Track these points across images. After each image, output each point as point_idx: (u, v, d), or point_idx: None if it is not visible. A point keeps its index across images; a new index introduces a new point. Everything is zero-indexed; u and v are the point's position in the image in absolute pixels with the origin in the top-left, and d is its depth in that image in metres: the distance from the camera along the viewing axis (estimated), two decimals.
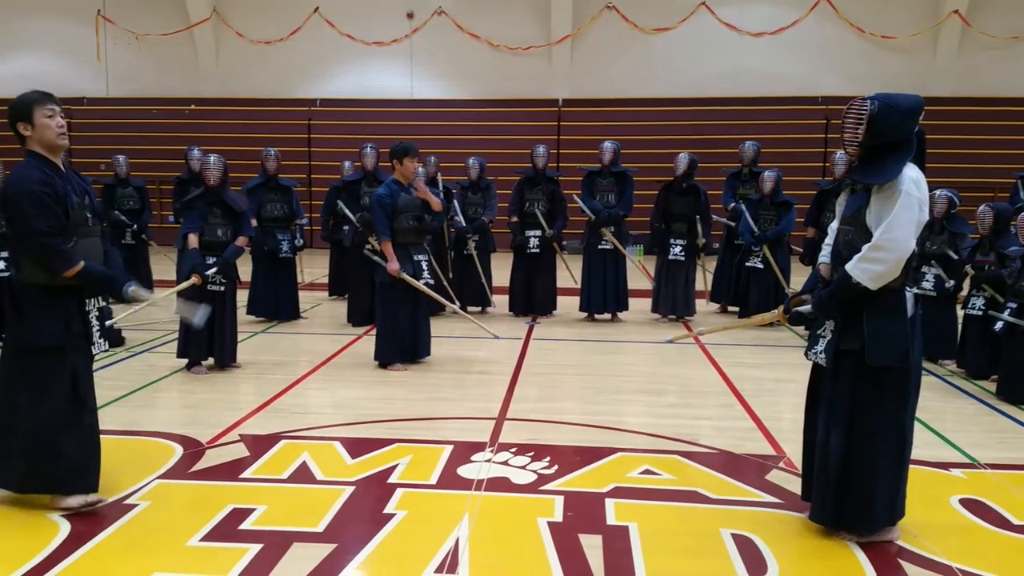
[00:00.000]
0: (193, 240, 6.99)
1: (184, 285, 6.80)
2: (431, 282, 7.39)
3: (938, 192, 7.64)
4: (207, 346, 7.08)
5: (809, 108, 19.02)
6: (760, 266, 9.52)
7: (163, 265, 12.00)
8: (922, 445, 5.29)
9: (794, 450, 5.08)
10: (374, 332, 7.58)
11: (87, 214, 4.29)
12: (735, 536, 3.93)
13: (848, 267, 3.70)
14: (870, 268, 3.64)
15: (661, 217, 9.80)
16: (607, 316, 9.94)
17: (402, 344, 7.32)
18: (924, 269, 7.68)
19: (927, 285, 7.63)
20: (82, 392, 4.27)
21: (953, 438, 5.54)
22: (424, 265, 7.33)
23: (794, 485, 4.49)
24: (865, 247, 3.65)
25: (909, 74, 18.71)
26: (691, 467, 4.89)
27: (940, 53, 19.15)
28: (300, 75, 20.63)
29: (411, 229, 7.28)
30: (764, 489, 4.55)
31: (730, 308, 10.44)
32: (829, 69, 19.27)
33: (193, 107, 20.62)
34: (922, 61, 19.18)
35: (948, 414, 6.18)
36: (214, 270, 6.91)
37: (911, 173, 3.65)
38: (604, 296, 9.72)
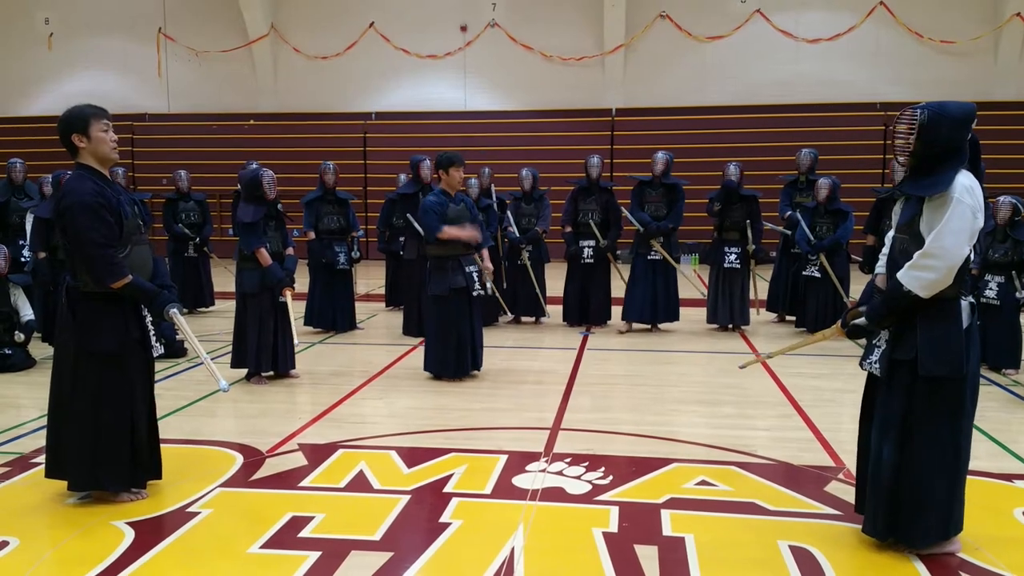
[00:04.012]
0: (266, 254, 7.10)
1: (290, 304, 7.11)
2: (483, 293, 7.38)
3: (1001, 199, 7.49)
4: (271, 357, 7.22)
5: (867, 115, 18.73)
6: (817, 275, 9.38)
7: (224, 277, 12.20)
8: (985, 456, 5.19)
9: (854, 461, 4.99)
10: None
11: (139, 222, 4.41)
12: (793, 548, 3.88)
13: (899, 275, 3.65)
14: (921, 276, 3.58)
15: (716, 224, 9.77)
16: (647, 326, 9.93)
17: (457, 357, 7.26)
18: (987, 277, 7.53)
19: (990, 294, 7.47)
20: (138, 397, 4.41)
21: (1017, 449, 5.41)
22: (475, 276, 7.28)
23: (853, 497, 4.42)
24: (916, 255, 3.60)
25: (970, 79, 18.36)
26: (748, 478, 4.84)
27: (1001, 57, 18.72)
28: (356, 89, 20.88)
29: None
30: (823, 501, 4.49)
31: (787, 317, 10.33)
32: (887, 75, 18.97)
33: (252, 122, 20.98)
34: (983, 65, 18.78)
35: (1012, 424, 6.04)
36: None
37: (964, 180, 3.58)
38: (653, 306, 9.68)
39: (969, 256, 3.62)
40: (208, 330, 9.82)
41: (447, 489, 4.63)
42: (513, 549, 3.86)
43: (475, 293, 7.25)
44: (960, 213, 3.53)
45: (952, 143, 3.61)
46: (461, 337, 7.25)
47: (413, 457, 5.16)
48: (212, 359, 4.58)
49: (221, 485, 4.71)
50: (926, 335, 3.64)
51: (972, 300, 3.73)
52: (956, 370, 3.61)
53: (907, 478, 3.73)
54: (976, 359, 3.74)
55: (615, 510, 4.33)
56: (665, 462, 5.09)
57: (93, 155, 4.28)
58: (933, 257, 3.55)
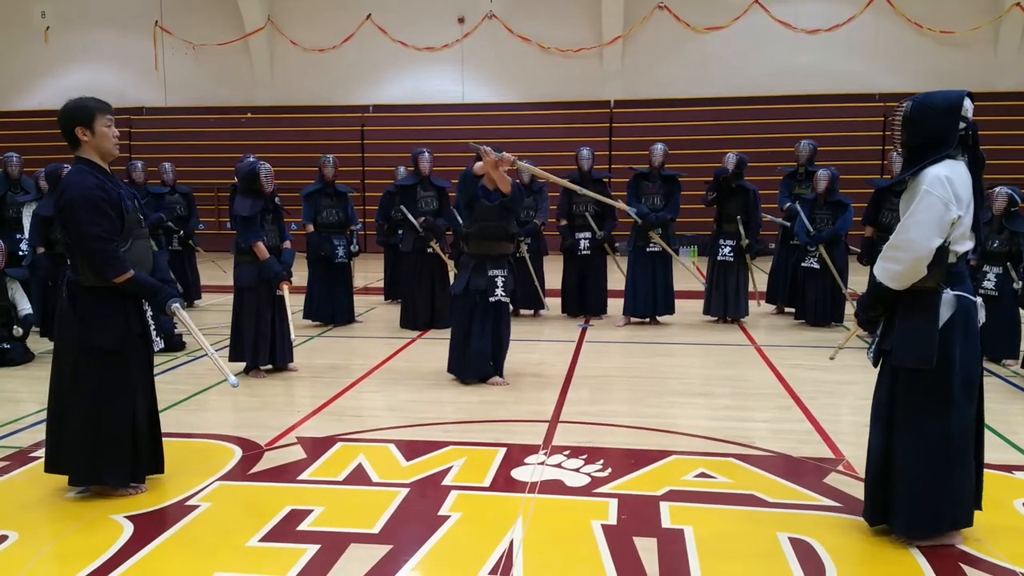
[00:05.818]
0: (264, 248, 7.08)
1: (287, 297, 7.12)
2: (503, 299, 6.88)
3: (997, 189, 7.47)
4: (268, 351, 7.22)
5: (866, 105, 18.69)
6: (816, 266, 9.38)
7: (210, 270, 12.23)
8: (985, 447, 5.17)
9: (853, 453, 5.02)
10: (431, 339, 7.55)
11: (139, 216, 4.39)
12: (792, 540, 3.88)
13: (874, 267, 3.70)
14: (888, 268, 3.60)
15: (716, 216, 9.74)
16: (645, 319, 9.87)
17: (471, 359, 6.87)
18: (985, 268, 7.52)
19: (988, 285, 7.46)
20: (139, 392, 4.40)
21: (1017, 440, 5.41)
22: (499, 281, 6.81)
23: (853, 488, 4.43)
24: (885, 246, 3.62)
25: (969, 69, 18.29)
26: (747, 470, 4.84)
27: (1001, 47, 18.67)
28: (353, 82, 20.82)
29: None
30: (822, 492, 4.48)
31: (786, 309, 10.32)
32: (886, 66, 18.91)
33: (249, 115, 20.93)
34: (983, 56, 18.73)
35: (1012, 415, 6.03)
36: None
37: (937, 171, 3.55)
38: (653, 299, 9.67)
39: (950, 248, 3.58)
40: (203, 324, 9.80)
41: (446, 482, 4.62)
42: (512, 542, 3.86)
43: (492, 299, 6.78)
44: (928, 204, 3.52)
45: (936, 133, 3.60)
46: (471, 340, 6.83)
47: (412, 450, 5.15)
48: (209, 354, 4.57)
49: (220, 478, 4.71)
50: (901, 326, 3.66)
51: (962, 293, 3.65)
52: (926, 362, 3.58)
53: (892, 467, 3.75)
54: (970, 352, 3.67)
55: (614, 502, 4.32)
56: (664, 454, 5.08)
57: (96, 150, 4.24)
58: (898, 249, 3.57)
